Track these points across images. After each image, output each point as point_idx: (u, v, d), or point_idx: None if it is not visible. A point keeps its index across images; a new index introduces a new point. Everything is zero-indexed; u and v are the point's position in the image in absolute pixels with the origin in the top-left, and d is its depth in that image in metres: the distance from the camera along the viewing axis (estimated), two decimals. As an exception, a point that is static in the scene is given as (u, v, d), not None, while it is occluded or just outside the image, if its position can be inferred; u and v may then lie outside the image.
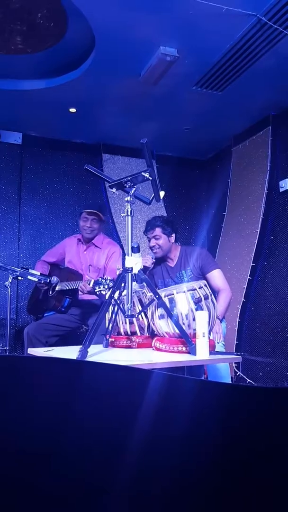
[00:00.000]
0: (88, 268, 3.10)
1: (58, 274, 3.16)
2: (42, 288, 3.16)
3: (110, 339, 2.08)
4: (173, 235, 2.81)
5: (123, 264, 1.86)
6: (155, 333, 2.02)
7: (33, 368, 0.79)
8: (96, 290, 2.35)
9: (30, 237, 4.16)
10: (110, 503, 0.68)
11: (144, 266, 2.69)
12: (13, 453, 0.71)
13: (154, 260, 2.76)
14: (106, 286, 2.28)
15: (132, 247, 1.85)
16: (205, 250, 2.91)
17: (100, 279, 2.38)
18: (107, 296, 1.83)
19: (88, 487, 0.69)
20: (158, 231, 2.78)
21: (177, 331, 1.82)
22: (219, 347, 2.43)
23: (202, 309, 1.84)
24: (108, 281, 2.30)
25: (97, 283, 2.36)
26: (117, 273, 1.87)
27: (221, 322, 2.62)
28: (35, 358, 0.86)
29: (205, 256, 2.78)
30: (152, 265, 2.77)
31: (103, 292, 2.31)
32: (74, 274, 3.06)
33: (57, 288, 2.99)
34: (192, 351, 1.74)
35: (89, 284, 2.49)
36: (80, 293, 2.84)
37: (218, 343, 2.45)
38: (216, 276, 2.72)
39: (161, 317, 1.93)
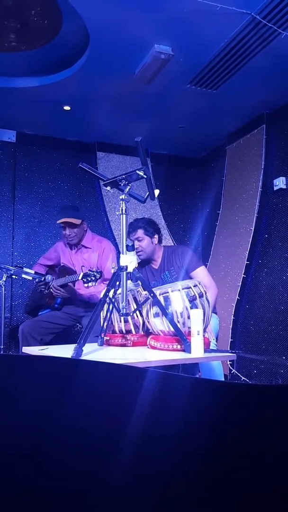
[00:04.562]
0: (81, 269, 3.09)
1: (52, 273, 3.19)
2: (41, 289, 3.12)
3: (105, 337, 2.08)
4: (156, 236, 2.76)
5: (118, 262, 1.86)
6: (150, 331, 2.03)
7: (27, 367, 0.79)
8: (85, 284, 2.57)
9: (24, 236, 4.14)
10: (103, 503, 0.68)
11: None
12: (6, 453, 0.71)
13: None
14: (93, 278, 2.52)
15: (127, 246, 1.84)
16: (187, 248, 2.83)
17: (89, 271, 2.59)
18: (101, 295, 1.83)
19: (81, 487, 0.69)
20: (140, 232, 2.73)
21: (172, 329, 1.82)
22: (211, 345, 2.42)
23: (196, 307, 1.85)
24: (95, 272, 2.53)
25: (85, 275, 2.55)
26: (112, 272, 1.86)
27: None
28: (30, 357, 0.86)
29: (187, 255, 2.73)
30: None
31: (91, 284, 2.54)
32: (67, 270, 3.08)
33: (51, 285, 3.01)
34: (187, 349, 1.75)
35: (78, 278, 2.58)
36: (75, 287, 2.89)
37: (210, 341, 2.44)
38: (201, 274, 2.67)
39: (156, 315, 1.93)
